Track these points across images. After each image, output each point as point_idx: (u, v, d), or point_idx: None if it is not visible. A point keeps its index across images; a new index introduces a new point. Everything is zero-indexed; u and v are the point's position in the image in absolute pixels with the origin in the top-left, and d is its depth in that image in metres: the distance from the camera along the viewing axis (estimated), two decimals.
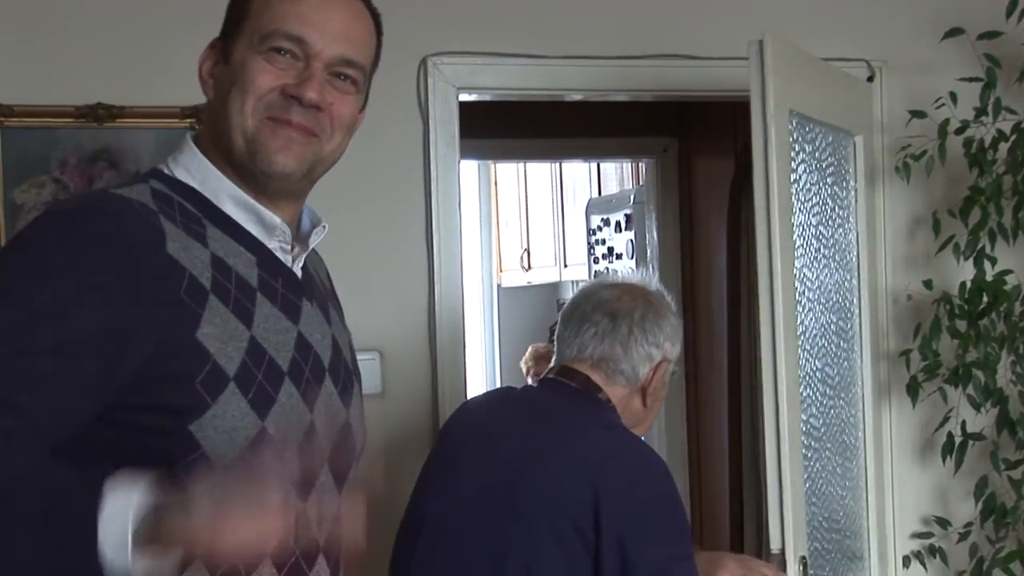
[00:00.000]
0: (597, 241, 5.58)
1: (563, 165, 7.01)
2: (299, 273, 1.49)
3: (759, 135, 2.46)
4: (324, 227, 1.52)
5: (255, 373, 1.33)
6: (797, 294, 2.57)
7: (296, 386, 1.38)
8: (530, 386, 2.40)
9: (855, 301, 2.96)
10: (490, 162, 7.28)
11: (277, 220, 1.43)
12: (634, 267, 5.06)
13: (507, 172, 7.79)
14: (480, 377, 8.30)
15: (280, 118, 1.40)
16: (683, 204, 4.85)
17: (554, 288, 7.93)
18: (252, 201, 1.41)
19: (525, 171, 7.54)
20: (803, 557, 2.39)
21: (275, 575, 1.34)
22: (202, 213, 1.39)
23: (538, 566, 1.97)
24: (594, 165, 6.50)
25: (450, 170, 2.88)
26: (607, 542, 1.94)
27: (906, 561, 3.04)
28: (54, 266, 1.24)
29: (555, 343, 2.24)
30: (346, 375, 1.52)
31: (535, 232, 7.51)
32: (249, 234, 1.42)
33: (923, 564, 3.03)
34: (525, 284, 7.81)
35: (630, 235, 5.23)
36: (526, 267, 7.59)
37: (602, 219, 5.57)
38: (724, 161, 4.42)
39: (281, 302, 1.41)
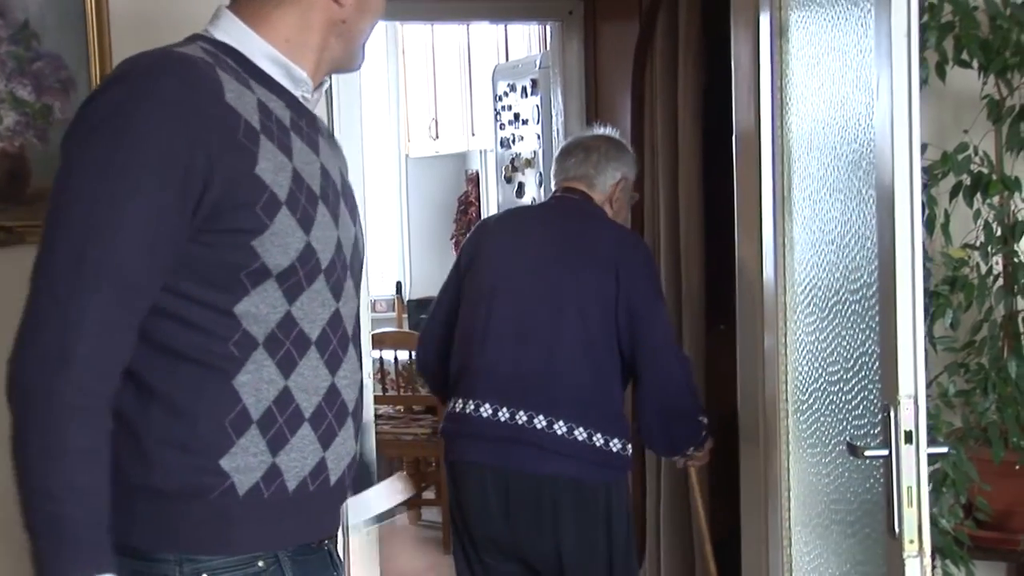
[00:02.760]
0: (504, 107, 5.58)
1: (471, 33, 6.96)
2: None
3: None
4: (328, 80, 1.88)
5: (299, 197, 1.66)
6: None
7: (326, 206, 1.71)
8: (554, 198, 3.29)
9: None
10: (397, 23, 7.17)
11: (304, 74, 1.76)
12: (540, 132, 5.17)
13: (414, 42, 7.72)
14: (395, 244, 8.33)
15: None
16: (588, 67, 4.85)
17: (462, 158, 7.93)
18: (284, 59, 1.74)
19: (433, 40, 7.47)
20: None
21: (312, 435, 1.69)
22: (240, 67, 1.69)
23: (588, 310, 3.00)
24: (501, 32, 6.47)
25: None
26: (622, 297, 3.00)
27: None
28: (141, 132, 1.55)
29: (552, 178, 3.33)
30: (353, 198, 1.86)
31: (443, 102, 7.47)
32: (278, 83, 1.73)
33: None
34: (433, 154, 7.79)
35: (536, 100, 5.24)
36: (435, 136, 7.56)
37: (508, 85, 5.56)
38: (629, 23, 4.42)
39: (307, 139, 1.74)
